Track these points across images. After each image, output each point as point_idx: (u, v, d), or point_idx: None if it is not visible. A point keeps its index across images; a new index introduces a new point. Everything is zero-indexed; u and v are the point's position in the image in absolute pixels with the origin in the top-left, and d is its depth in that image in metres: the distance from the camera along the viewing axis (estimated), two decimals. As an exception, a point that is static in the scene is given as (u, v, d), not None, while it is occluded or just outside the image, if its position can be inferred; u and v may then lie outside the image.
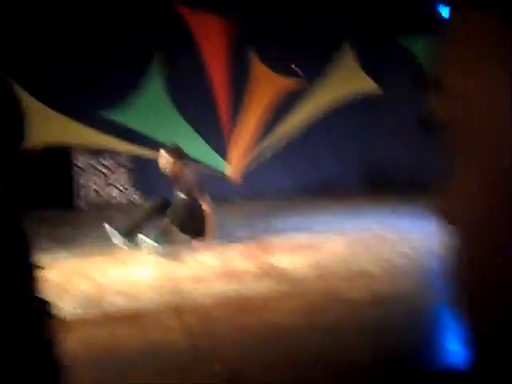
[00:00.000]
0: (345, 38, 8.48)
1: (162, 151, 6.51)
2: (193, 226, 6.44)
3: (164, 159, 6.49)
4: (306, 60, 9.19)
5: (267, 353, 3.34)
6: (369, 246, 6.04)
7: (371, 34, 9.06)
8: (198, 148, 8.60)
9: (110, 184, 9.52)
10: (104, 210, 9.12)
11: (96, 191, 9.50)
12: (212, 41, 8.33)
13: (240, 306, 4.28)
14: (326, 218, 7.77)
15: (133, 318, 4.13)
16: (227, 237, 6.83)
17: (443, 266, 1.76)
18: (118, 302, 4.51)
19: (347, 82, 8.40)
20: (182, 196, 6.41)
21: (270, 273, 5.18)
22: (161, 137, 6.74)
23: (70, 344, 3.16)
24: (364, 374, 3.01)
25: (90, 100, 8.30)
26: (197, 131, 8.58)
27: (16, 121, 7.69)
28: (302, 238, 6.63)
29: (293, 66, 9.20)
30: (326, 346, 3.39)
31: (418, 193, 7.33)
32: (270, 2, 9.14)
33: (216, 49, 8.37)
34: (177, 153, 6.54)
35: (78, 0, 8.60)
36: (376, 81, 8.46)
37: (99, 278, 5.23)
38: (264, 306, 4.25)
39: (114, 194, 9.50)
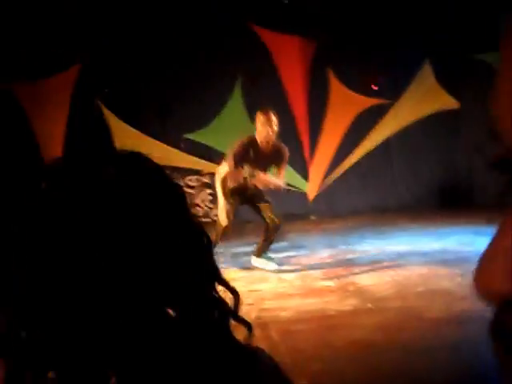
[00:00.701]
0: (423, 55, 8.49)
1: (260, 115, 6.08)
2: None
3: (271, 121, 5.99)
4: (385, 78, 9.24)
5: (349, 369, 3.43)
6: (448, 266, 6.01)
7: (450, 51, 9.01)
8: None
9: (195, 204, 9.79)
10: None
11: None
12: (290, 61, 8.52)
13: (322, 322, 4.39)
14: (405, 237, 7.74)
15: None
16: (308, 254, 6.97)
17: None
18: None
19: (428, 99, 8.37)
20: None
21: (351, 291, 5.28)
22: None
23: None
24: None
25: (175, 123, 8.66)
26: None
27: (105, 141, 8.11)
28: (381, 256, 6.67)
29: (373, 85, 9.27)
30: (406, 364, 3.45)
31: (499, 212, 7.24)
32: (347, 20, 9.22)
33: (294, 69, 8.54)
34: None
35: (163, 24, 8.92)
36: (456, 98, 8.42)
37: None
38: (346, 323, 4.36)
39: (199, 213, 9.78)
